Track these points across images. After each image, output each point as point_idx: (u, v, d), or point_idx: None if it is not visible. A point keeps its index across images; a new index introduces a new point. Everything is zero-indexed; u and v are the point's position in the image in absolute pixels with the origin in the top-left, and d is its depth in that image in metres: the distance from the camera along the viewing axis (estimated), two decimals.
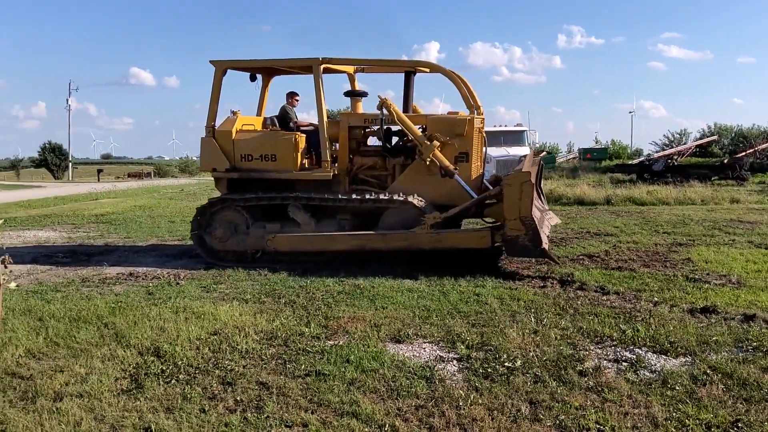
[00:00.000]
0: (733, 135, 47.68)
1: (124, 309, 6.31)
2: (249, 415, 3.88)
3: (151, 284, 7.66)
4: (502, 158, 21.39)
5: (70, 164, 63.29)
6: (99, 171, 56.10)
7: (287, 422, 3.78)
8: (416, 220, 8.50)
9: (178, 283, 7.71)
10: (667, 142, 48.80)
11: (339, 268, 8.26)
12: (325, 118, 9.12)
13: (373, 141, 9.84)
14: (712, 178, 25.98)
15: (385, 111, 8.71)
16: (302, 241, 8.74)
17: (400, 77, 9.77)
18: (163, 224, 14.31)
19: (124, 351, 5.03)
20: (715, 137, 42.01)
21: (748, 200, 18.11)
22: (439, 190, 8.79)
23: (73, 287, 7.53)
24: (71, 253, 10.21)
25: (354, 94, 9.78)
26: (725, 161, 29.07)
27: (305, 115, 10.15)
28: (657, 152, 36.71)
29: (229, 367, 4.68)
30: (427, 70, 9.64)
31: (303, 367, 4.67)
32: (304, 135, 9.35)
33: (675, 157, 29.99)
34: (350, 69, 10.19)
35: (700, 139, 41.90)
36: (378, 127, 9.04)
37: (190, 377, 4.50)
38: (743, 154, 29.20)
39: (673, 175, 26.03)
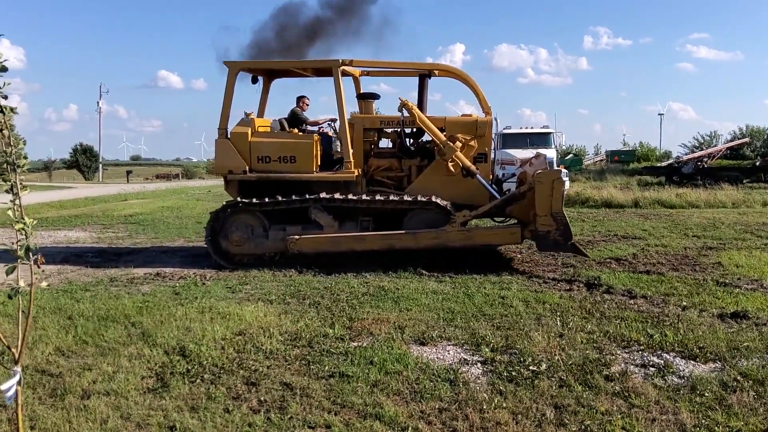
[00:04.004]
0: (765, 137, 46.72)
1: (151, 308, 6.37)
2: (272, 415, 3.89)
3: (177, 284, 7.74)
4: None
5: (101, 165, 64.36)
6: (128, 172, 57.04)
7: (310, 423, 3.79)
8: (440, 220, 8.56)
9: (204, 284, 7.77)
10: (696, 144, 48.04)
11: (362, 269, 8.26)
12: (347, 120, 9.14)
13: (383, 143, 9.88)
14: (744, 181, 25.53)
15: (405, 113, 8.77)
16: (328, 242, 8.73)
17: (404, 80, 9.83)
18: (190, 225, 14.48)
19: (151, 350, 5.08)
20: (746, 139, 41.20)
21: None
22: (458, 190, 8.89)
23: (101, 287, 7.64)
24: (100, 253, 10.38)
25: (367, 97, 9.78)
26: (757, 164, 28.56)
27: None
28: (686, 154, 36.17)
29: (253, 367, 4.70)
30: (444, 73, 9.63)
31: (327, 368, 4.67)
32: (320, 137, 9.41)
33: (705, 159, 29.51)
34: (356, 72, 10.21)
35: (731, 141, 41.14)
36: (399, 129, 9.14)
37: (215, 377, 4.53)
38: None
39: (703, 178, 25.64)
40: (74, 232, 13.48)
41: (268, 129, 9.65)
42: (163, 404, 4.07)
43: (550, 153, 21.10)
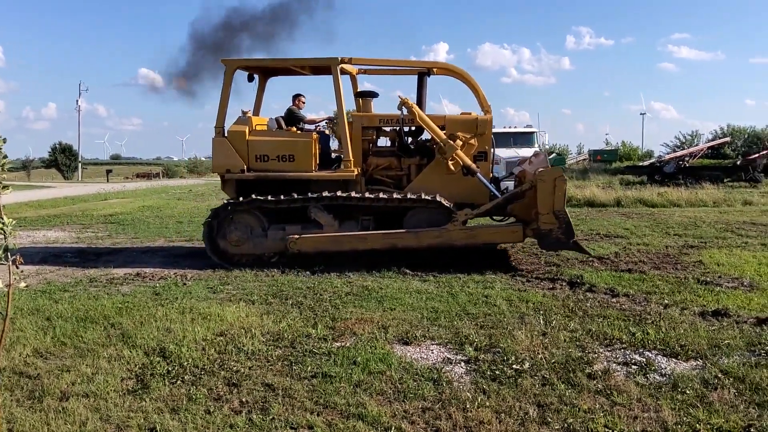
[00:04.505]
0: (746, 136, 47.27)
1: (131, 309, 6.30)
2: (254, 416, 3.85)
3: (158, 285, 7.66)
4: (512, 159, 21.31)
5: (80, 165, 63.70)
6: (108, 171, 56.49)
7: (293, 424, 3.75)
8: (441, 219, 8.56)
9: (185, 284, 7.70)
10: (678, 144, 48.47)
11: (345, 268, 8.23)
12: (346, 119, 9.09)
13: (382, 141, 9.84)
14: (725, 180, 25.81)
15: (404, 111, 8.75)
16: (329, 241, 8.66)
17: (402, 78, 9.81)
18: (171, 225, 14.35)
19: (131, 351, 5.02)
20: (727, 139, 41.61)
21: (762, 202, 17.97)
22: (458, 189, 8.88)
23: (80, 287, 7.54)
24: (79, 253, 10.26)
25: (365, 95, 9.74)
26: (738, 163, 28.88)
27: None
28: (668, 154, 36.47)
29: (234, 368, 4.66)
30: (443, 71, 9.62)
31: (309, 368, 4.63)
32: (318, 135, 9.35)
33: (686, 158, 29.77)
34: (354, 70, 10.16)
35: (713, 140, 41.56)
36: (399, 127, 9.15)
37: (196, 378, 4.48)
38: (756, 155, 28.91)
39: (684, 177, 25.87)
40: (53, 232, 13.31)
41: (265, 128, 9.59)
42: (143, 406, 4.02)
43: (534, 152, 21.17)
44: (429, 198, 8.59)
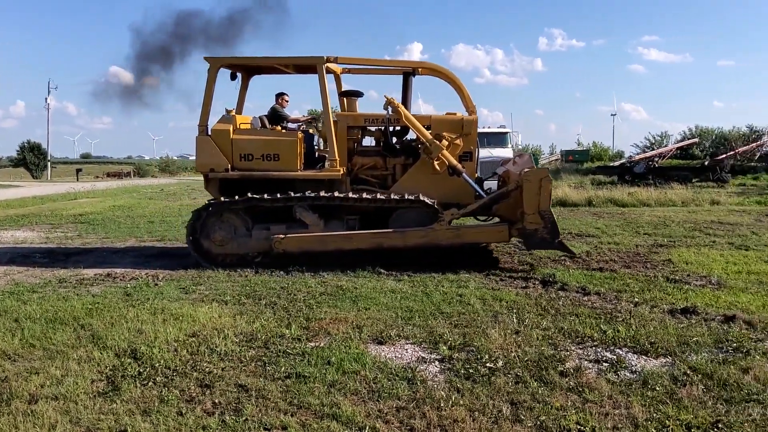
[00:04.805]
0: (713, 137, 48.21)
1: (101, 310, 6.21)
2: (227, 418, 3.82)
3: (129, 285, 7.56)
4: (486, 159, 21.42)
5: (49, 163, 62.53)
6: (78, 170, 55.51)
7: (266, 425, 3.73)
8: (427, 219, 8.59)
9: (156, 284, 7.61)
10: (648, 145, 49.23)
11: (320, 268, 8.21)
12: (331, 118, 9.07)
13: (366, 141, 9.84)
14: (693, 180, 26.30)
15: (390, 111, 8.75)
16: (315, 241, 8.61)
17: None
18: (143, 224, 14.17)
19: (101, 353, 4.94)
20: (695, 139, 42.45)
21: (729, 202, 18.34)
22: (443, 189, 8.89)
23: (49, 288, 7.40)
24: (49, 254, 10.08)
25: (350, 94, 9.70)
26: (706, 163, 29.44)
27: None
28: (638, 154, 37.03)
29: (207, 369, 4.62)
30: (428, 71, 9.62)
31: (283, 369, 4.61)
32: (303, 135, 9.31)
33: (656, 159, 30.29)
34: (338, 69, 10.14)
35: (681, 141, 42.33)
36: (384, 127, 9.15)
37: (168, 379, 4.43)
38: (724, 156, 29.56)
39: (654, 177, 26.31)
40: (21, 232, 13.05)
41: (249, 126, 9.51)
42: (114, 408, 3.96)
43: (507, 152, 21.33)
44: (413, 198, 8.61)
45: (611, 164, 35.80)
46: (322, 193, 8.66)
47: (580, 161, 46.66)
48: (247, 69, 9.99)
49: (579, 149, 55.25)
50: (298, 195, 8.63)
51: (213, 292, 7.15)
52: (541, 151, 62.21)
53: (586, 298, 6.81)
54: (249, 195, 8.63)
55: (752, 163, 34.04)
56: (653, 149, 40.64)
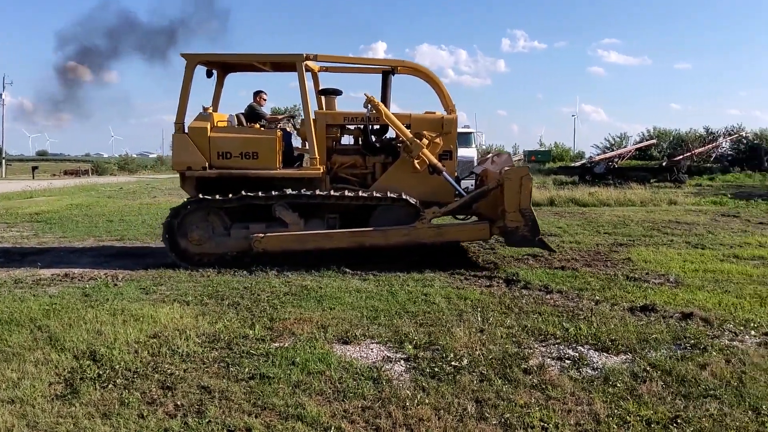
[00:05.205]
0: (671, 139, 49.33)
1: (59, 311, 6.05)
2: (190, 420, 3.76)
3: (87, 285, 7.39)
4: None
5: (4, 161, 60.74)
6: (34, 168, 54.04)
7: (230, 427, 3.68)
8: (408, 217, 8.58)
9: (115, 285, 7.45)
10: (608, 145, 50.16)
11: (284, 267, 8.15)
12: (312, 116, 8.99)
13: (345, 140, 9.79)
14: (651, 181, 26.88)
15: (371, 109, 8.73)
16: (295, 240, 8.53)
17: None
18: (101, 223, 13.88)
19: (59, 355, 4.82)
20: (653, 141, 43.38)
21: (686, 202, 18.80)
22: (423, 188, 8.90)
23: (5, 289, 7.19)
24: (4, 253, 9.81)
25: (329, 92, 9.63)
26: (664, 164, 30.10)
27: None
28: (598, 155, 37.68)
29: (169, 371, 4.54)
30: (407, 70, 9.61)
31: (247, 370, 4.56)
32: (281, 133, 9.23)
33: (615, 159, 30.86)
34: (316, 67, 10.07)
35: (640, 142, 43.20)
36: (364, 126, 9.12)
37: (128, 382, 4.34)
38: (681, 157, 30.28)
39: (613, 177, 26.81)
40: None
41: (226, 124, 9.36)
42: (73, 411, 3.87)
43: (471, 152, 21.50)
44: (394, 196, 8.62)
45: (572, 165, 36.38)
46: (312, 192, 8.60)
47: (542, 161, 47.31)
48: (224, 66, 9.84)
49: (541, 150, 56.01)
50: (291, 193, 8.55)
51: (174, 293, 7.03)
52: (505, 151, 62.86)
53: (548, 296, 6.90)
54: (243, 193, 8.52)
55: (708, 164, 35.03)
56: (613, 150, 41.43)
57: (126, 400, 4.01)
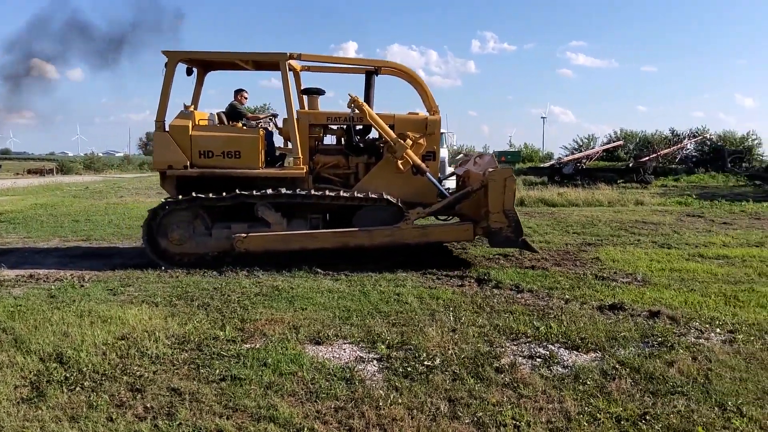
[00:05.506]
0: (637, 140, 50.07)
1: (24, 313, 5.92)
2: (160, 422, 3.70)
3: (53, 287, 7.24)
4: None
5: None
6: None
7: (201, 429, 3.63)
8: (391, 218, 8.58)
9: (82, 286, 7.32)
10: (576, 146, 50.74)
11: (254, 268, 8.08)
12: (295, 115, 8.92)
13: (327, 139, 9.75)
14: (618, 181, 27.27)
15: (354, 109, 8.70)
16: (279, 240, 8.45)
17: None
18: (67, 224, 13.62)
19: (24, 357, 4.71)
20: (620, 142, 44.00)
21: (652, 202, 19.11)
22: (407, 188, 8.93)
23: None
24: None
25: (312, 92, 9.56)
26: (630, 165, 30.57)
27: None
28: (567, 156, 38.10)
29: (138, 373, 4.46)
30: (390, 71, 9.59)
31: (217, 371, 4.51)
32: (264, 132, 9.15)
33: (584, 160, 31.22)
34: (298, 66, 10.00)
35: (607, 143, 43.81)
36: (347, 126, 9.11)
37: (96, 384, 4.26)
38: (647, 158, 30.79)
39: (582, 178, 27.15)
40: None
41: (207, 123, 9.23)
42: (40, 415, 3.78)
43: (443, 152, 21.56)
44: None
45: (541, 165, 36.71)
46: (309, 192, 8.57)
47: (512, 162, 47.64)
48: (205, 64, 9.73)
49: (511, 150, 56.40)
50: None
51: (142, 294, 6.93)
52: (476, 152, 63.23)
53: (519, 295, 6.96)
54: (237, 192, 8.44)
55: (673, 165, 35.68)
56: (581, 151, 41.92)
57: (94, 403, 3.94)
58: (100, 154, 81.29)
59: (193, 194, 8.50)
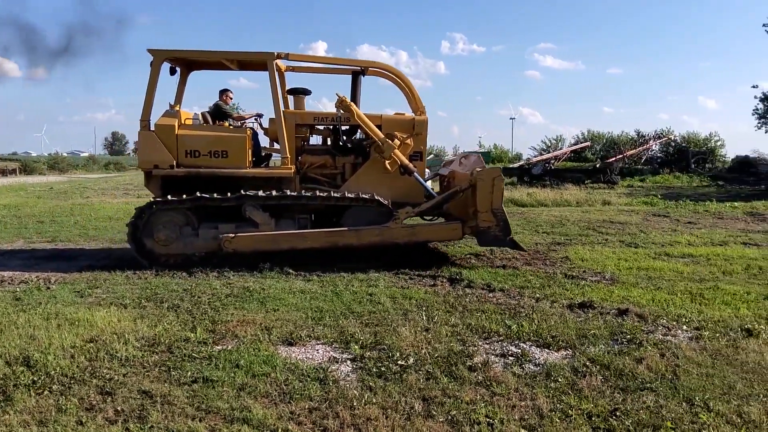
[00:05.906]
0: (604, 141, 50.74)
1: None
2: (131, 425, 3.65)
3: (18, 289, 7.08)
4: None
5: None
6: None
7: (173, 431, 3.59)
8: (380, 218, 8.58)
9: (48, 288, 7.17)
10: (544, 147, 51.24)
11: (225, 269, 8.01)
12: (283, 115, 8.85)
13: (313, 140, 9.70)
14: (586, 182, 27.64)
15: (339, 109, 8.68)
16: (267, 240, 8.39)
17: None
18: (31, 225, 13.34)
19: None
20: (588, 143, 44.53)
21: (619, 202, 19.42)
22: (394, 188, 8.98)
23: None
24: None
25: (298, 92, 9.51)
26: (597, 166, 30.96)
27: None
28: (535, 156, 38.48)
29: (107, 375, 4.39)
30: (376, 72, 9.58)
31: (189, 373, 4.45)
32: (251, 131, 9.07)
33: (552, 161, 31.55)
34: (283, 67, 9.93)
35: (575, 144, 44.30)
36: (334, 126, 9.10)
37: (65, 388, 4.18)
38: (613, 159, 31.24)
39: (550, 178, 27.45)
40: None
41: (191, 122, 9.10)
42: (7, 419, 3.69)
43: None
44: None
45: (511, 166, 37.01)
46: (313, 194, 8.54)
47: None
48: (189, 64, 9.61)
49: (481, 151, 56.81)
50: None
51: (111, 296, 6.82)
52: (445, 152, 63.47)
53: (491, 294, 7.01)
54: (242, 192, 8.36)
55: (639, 166, 36.25)
56: (549, 152, 42.37)
57: (63, 407, 3.86)
58: (65, 154, 79.75)
59: (198, 194, 8.40)
